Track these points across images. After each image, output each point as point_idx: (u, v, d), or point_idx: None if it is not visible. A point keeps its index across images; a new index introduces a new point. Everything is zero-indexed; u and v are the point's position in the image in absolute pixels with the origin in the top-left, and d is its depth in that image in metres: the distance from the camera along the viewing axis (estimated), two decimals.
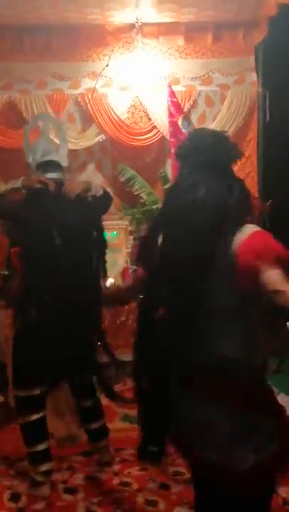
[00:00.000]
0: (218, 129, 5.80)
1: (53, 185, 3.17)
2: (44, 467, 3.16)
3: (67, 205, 3.13)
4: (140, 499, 3.13)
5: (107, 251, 3.67)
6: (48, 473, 3.23)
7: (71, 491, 3.21)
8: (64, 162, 3.55)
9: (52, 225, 3.05)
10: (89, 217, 3.19)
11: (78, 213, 3.13)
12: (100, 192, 3.35)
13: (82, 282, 3.06)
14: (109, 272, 4.94)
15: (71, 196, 3.20)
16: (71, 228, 3.08)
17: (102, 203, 3.37)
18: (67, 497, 3.16)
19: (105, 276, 3.55)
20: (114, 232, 6.23)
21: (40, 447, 3.18)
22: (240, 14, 6.07)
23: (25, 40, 6.35)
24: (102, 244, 3.35)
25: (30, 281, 3.08)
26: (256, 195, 6.05)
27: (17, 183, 3.34)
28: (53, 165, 3.38)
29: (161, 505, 3.03)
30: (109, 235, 5.85)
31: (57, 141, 4.00)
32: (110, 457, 3.43)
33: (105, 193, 3.42)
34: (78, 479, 3.31)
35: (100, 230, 3.34)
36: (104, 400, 3.50)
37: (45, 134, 3.86)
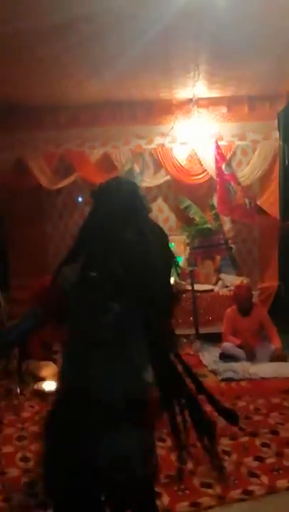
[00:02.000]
0: (249, 173, 6.68)
1: None
2: None
3: None
4: None
5: None
6: None
7: None
8: None
9: None
10: None
11: None
12: None
13: None
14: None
15: None
16: None
17: None
18: None
19: None
20: (172, 244, 6.15)
21: None
22: (267, 90, 6.40)
23: (117, 111, 6.73)
24: None
25: None
26: (278, 217, 6.62)
27: None
28: None
29: None
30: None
31: None
32: None
33: None
34: None
35: None
36: None
37: None
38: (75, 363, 1.81)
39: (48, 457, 1.83)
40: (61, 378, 1.92)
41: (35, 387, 4.59)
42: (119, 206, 1.81)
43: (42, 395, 4.45)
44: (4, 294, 4.96)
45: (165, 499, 2.77)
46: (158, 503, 2.29)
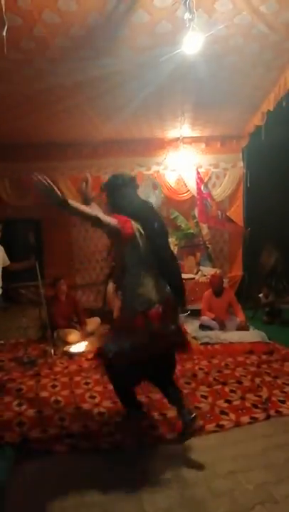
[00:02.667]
0: (221, 192, 6.82)
1: None
2: None
3: None
4: None
5: None
6: None
7: None
8: None
9: None
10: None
11: None
12: None
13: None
14: None
15: None
16: None
17: None
18: None
19: None
20: None
21: None
22: (234, 131, 6.31)
23: (124, 146, 6.65)
24: None
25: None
26: (242, 225, 6.69)
27: None
28: None
29: None
30: None
31: None
32: None
33: None
34: None
35: None
36: None
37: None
38: (135, 278, 2.41)
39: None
40: (128, 288, 2.45)
41: (64, 349, 4.62)
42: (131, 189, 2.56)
43: (69, 355, 4.48)
44: (41, 281, 4.93)
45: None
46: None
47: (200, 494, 2.18)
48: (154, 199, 3.68)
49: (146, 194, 3.77)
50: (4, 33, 2.51)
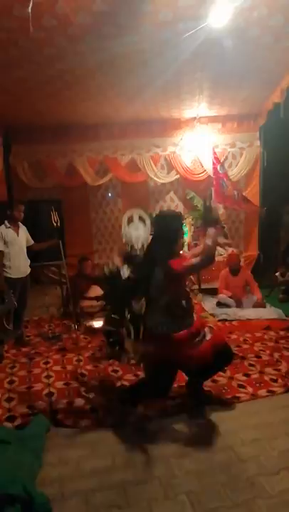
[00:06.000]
0: (237, 171, 6.67)
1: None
2: None
3: None
4: None
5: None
6: None
7: None
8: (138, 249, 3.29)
9: None
10: None
11: None
12: None
13: None
14: None
15: None
16: None
17: None
18: None
19: None
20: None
21: None
22: (252, 110, 6.19)
23: (140, 127, 6.54)
24: None
25: None
26: (258, 204, 6.59)
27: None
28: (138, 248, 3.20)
29: None
30: None
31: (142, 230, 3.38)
32: None
33: None
34: None
35: None
36: None
37: (135, 223, 3.41)
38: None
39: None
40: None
41: (87, 324, 4.65)
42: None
43: (92, 330, 4.51)
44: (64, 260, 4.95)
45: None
46: None
47: (227, 459, 2.22)
48: (143, 235, 3.46)
49: (136, 229, 3.58)
50: (29, 9, 2.44)
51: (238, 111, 6.30)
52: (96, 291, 4.89)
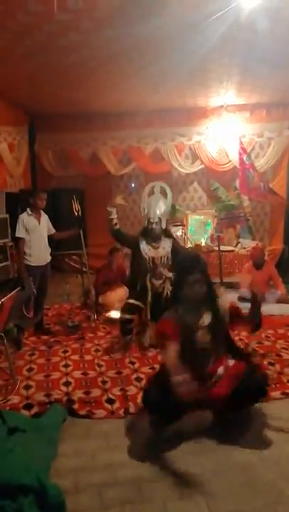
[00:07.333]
0: (264, 162, 6.45)
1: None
2: None
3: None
4: None
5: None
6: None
7: None
8: (163, 222, 3.51)
9: None
10: None
11: None
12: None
13: None
14: (204, 236, 5.44)
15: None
16: None
17: None
18: None
19: None
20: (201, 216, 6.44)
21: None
22: (282, 98, 5.98)
23: (165, 116, 6.45)
24: None
25: None
26: (285, 197, 6.49)
27: None
28: (155, 222, 3.49)
29: None
30: (203, 218, 6.67)
31: (162, 202, 3.62)
32: None
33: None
34: None
35: None
36: None
37: (156, 195, 3.67)
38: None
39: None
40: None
41: (106, 315, 4.62)
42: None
43: (110, 320, 4.47)
44: (85, 250, 4.91)
45: None
46: None
47: (247, 460, 2.14)
48: (163, 207, 3.51)
49: (156, 201, 3.56)
50: None
51: (267, 99, 6.09)
52: (119, 293, 4.79)
